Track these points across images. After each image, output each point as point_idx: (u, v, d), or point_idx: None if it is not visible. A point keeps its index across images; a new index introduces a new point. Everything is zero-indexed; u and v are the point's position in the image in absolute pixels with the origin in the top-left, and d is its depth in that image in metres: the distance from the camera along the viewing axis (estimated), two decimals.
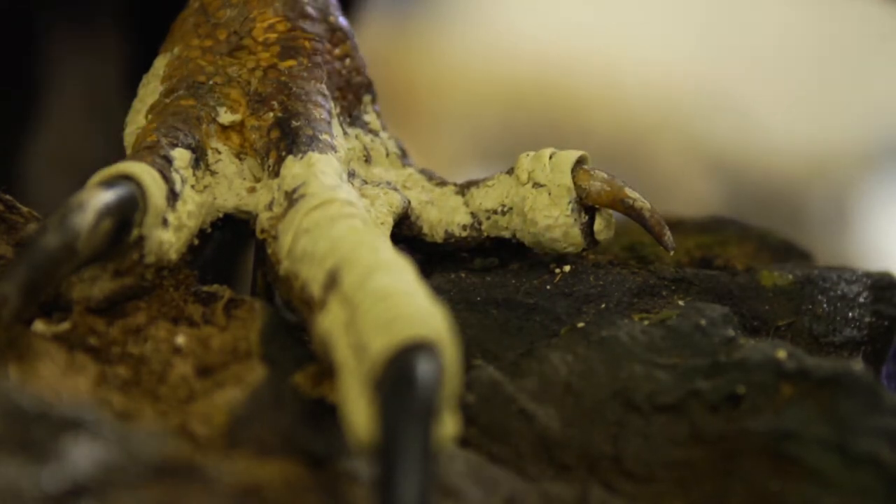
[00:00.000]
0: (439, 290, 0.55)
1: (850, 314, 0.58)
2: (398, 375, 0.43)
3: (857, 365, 0.51)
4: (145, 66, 0.59)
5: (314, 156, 0.54)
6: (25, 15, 0.90)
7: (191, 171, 0.54)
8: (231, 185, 0.55)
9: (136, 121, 0.57)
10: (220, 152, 0.56)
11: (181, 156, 0.54)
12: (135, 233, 0.51)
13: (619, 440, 0.50)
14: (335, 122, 0.57)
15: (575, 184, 0.56)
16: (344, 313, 0.47)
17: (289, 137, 0.55)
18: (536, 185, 0.57)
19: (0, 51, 0.89)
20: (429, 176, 0.59)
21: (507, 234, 0.57)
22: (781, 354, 0.51)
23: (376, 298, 0.46)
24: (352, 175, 0.56)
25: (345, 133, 0.58)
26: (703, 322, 0.53)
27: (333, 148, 0.55)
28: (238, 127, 0.56)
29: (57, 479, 0.42)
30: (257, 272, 0.56)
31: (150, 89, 0.58)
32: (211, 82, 0.57)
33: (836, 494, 0.48)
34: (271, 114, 0.56)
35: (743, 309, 0.57)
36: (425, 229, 0.58)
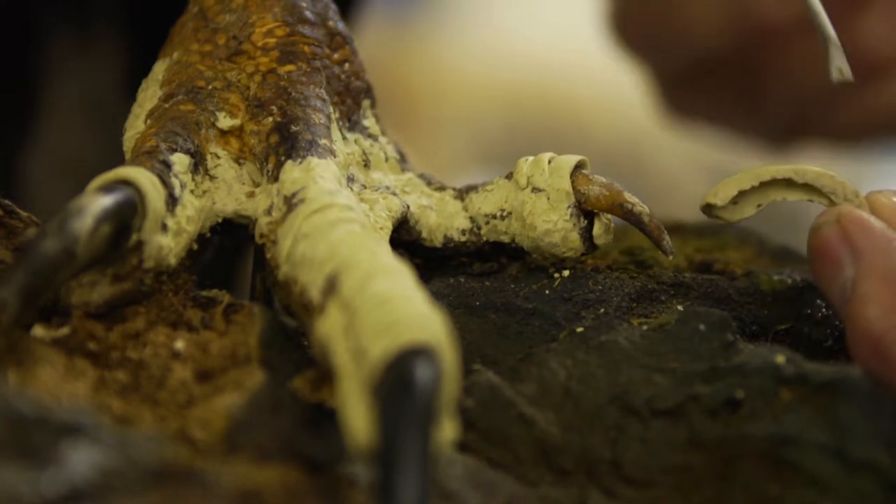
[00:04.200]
0: (438, 295, 0.55)
1: None
2: (397, 380, 0.43)
3: (856, 370, 0.51)
4: (145, 70, 0.59)
5: (313, 160, 0.54)
6: (24, 18, 0.90)
7: (190, 175, 0.54)
8: (230, 189, 0.55)
9: (136, 126, 0.57)
10: (219, 157, 0.56)
11: (180, 161, 0.54)
12: (134, 238, 0.51)
13: (618, 445, 0.50)
14: (334, 126, 0.57)
15: (574, 188, 0.56)
16: (343, 318, 0.47)
17: (288, 142, 0.55)
18: (535, 189, 0.57)
19: None
20: (428, 180, 0.59)
21: (506, 239, 0.57)
22: (780, 359, 0.51)
23: (375, 303, 0.46)
24: (351, 180, 0.56)
25: (344, 138, 0.58)
26: (701, 327, 0.53)
27: (332, 153, 0.55)
28: (237, 132, 0.56)
29: (56, 484, 0.42)
30: (256, 277, 0.56)
31: (150, 94, 0.58)
32: (210, 87, 0.57)
33: (835, 499, 0.48)
34: (270, 118, 0.56)
35: (742, 314, 0.57)
36: (424, 234, 0.58)
